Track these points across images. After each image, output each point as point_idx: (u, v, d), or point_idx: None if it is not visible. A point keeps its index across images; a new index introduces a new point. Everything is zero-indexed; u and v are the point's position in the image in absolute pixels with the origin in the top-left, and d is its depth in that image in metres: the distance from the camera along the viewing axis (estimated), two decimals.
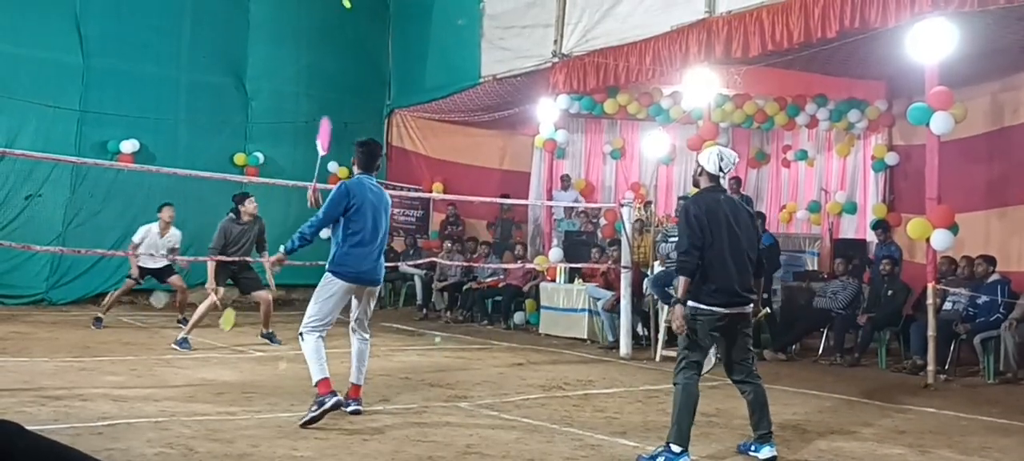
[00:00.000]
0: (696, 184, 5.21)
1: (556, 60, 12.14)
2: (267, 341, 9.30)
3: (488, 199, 13.80)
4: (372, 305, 5.82)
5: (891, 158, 13.22)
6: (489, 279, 13.12)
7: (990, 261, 9.19)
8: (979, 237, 10.74)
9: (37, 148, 11.27)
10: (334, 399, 5.26)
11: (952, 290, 9.09)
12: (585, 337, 10.82)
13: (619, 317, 9.91)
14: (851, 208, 13.70)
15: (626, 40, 11.09)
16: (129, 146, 13.07)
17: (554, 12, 12.21)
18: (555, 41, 12.16)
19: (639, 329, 10.29)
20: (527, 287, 12.44)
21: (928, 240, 8.19)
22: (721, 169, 5.02)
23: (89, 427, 4.92)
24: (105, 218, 12.87)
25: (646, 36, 10.81)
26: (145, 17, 13.43)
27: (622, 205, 10.36)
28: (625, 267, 9.81)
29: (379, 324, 12.23)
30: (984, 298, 8.80)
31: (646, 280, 10.24)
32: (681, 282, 4.81)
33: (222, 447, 4.58)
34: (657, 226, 11.14)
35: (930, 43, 8.10)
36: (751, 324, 5.10)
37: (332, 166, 15.15)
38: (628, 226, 9.90)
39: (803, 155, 14.52)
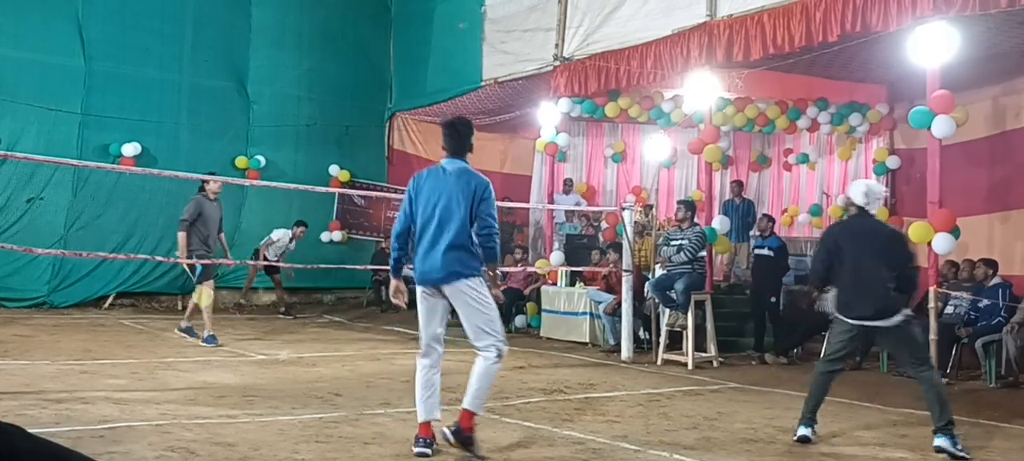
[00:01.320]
0: (846, 211, 6.00)
1: (557, 63, 12.15)
2: (185, 335, 9.56)
3: None
4: (475, 310, 4.84)
5: (892, 161, 13.22)
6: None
7: (991, 265, 9.18)
8: (981, 241, 10.74)
9: (39, 151, 11.30)
10: (422, 450, 4.62)
11: (954, 294, 9.08)
12: (586, 341, 10.81)
13: (620, 320, 9.90)
14: None
15: (627, 43, 11.09)
16: (131, 149, 13.09)
17: (555, 15, 12.22)
18: (556, 44, 12.17)
19: (640, 333, 10.29)
20: (528, 290, 12.44)
21: (930, 244, 8.19)
22: (867, 201, 5.56)
23: (90, 430, 4.91)
24: (107, 221, 12.89)
25: (647, 39, 10.81)
26: (147, 21, 13.46)
27: (623, 208, 10.35)
28: (626, 270, 9.81)
29: (380, 328, 12.26)
30: (986, 302, 8.79)
31: (647, 283, 10.24)
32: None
33: (223, 450, 4.58)
34: (658, 229, 11.14)
35: (931, 47, 8.10)
36: (901, 333, 5.44)
37: (333, 169, 15.19)
38: (629, 229, 9.89)
39: (805, 158, 14.52)
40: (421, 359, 4.92)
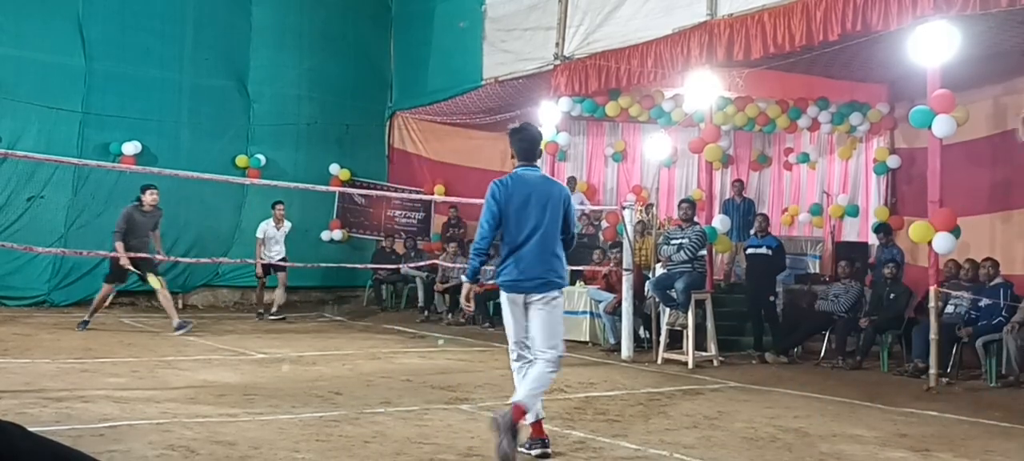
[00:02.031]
0: None
1: (558, 62, 12.14)
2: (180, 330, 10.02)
3: None
4: (542, 319, 4.81)
5: (893, 161, 13.21)
6: (491, 281, 13.11)
7: (993, 264, 9.18)
8: (983, 240, 10.73)
9: (39, 150, 11.29)
10: (541, 450, 4.72)
11: (954, 293, 9.08)
12: (586, 340, 10.82)
13: (620, 320, 9.90)
14: (853, 211, 13.69)
15: (628, 43, 11.09)
16: (131, 148, 13.09)
17: (556, 14, 12.22)
18: (557, 44, 12.16)
19: (641, 332, 10.29)
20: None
21: (930, 243, 8.18)
22: None
23: (91, 429, 4.92)
24: (107, 220, 12.81)
25: (648, 39, 10.81)
26: (148, 20, 13.46)
27: (624, 207, 10.35)
28: (627, 269, 9.81)
29: (380, 327, 12.27)
30: (986, 301, 8.79)
31: (648, 283, 10.24)
32: None
33: (224, 449, 4.58)
34: (659, 229, 11.14)
35: (932, 46, 8.09)
36: None
37: (333, 168, 15.19)
38: (630, 228, 9.90)
39: (805, 158, 14.51)
40: (514, 363, 4.94)
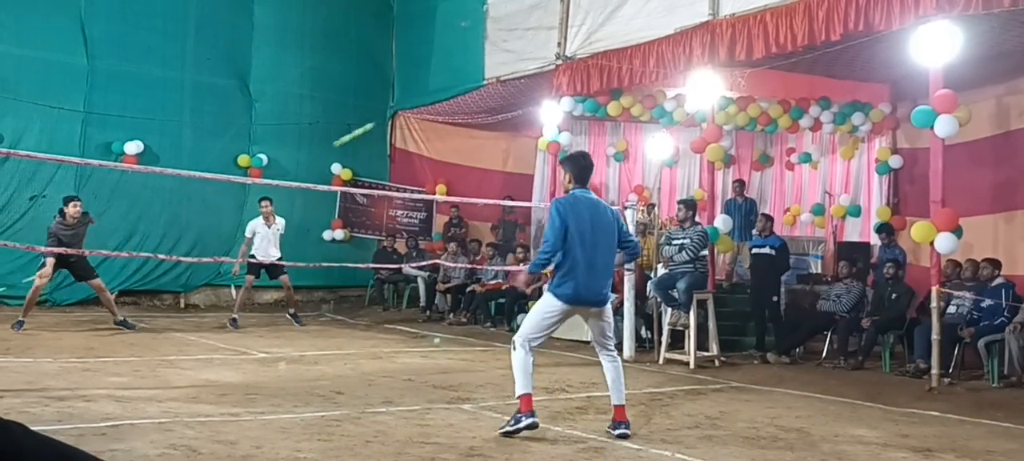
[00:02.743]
0: None
1: (560, 62, 12.14)
2: (121, 327, 10.08)
3: (491, 201, 13.79)
4: (606, 323, 5.52)
5: (895, 161, 13.19)
6: (492, 281, 13.12)
7: (995, 264, 9.17)
8: (986, 241, 10.72)
9: (41, 149, 11.30)
10: (531, 420, 5.19)
11: (956, 293, 9.07)
12: (588, 340, 10.75)
13: (622, 320, 9.90)
14: (855, 211, 13.67)
15: (630, 42, 11.08)
16: (133, 147, 13.10)
17: (558, 14, 12.21)
18: (559, 43, 12.16)
19: (642, 332, 10.29)
20: (530, 289, 12.42)
21: (932, 244, 8.17)
22: None
23: (93, 428, 4.92)
24: (109, 219, 12.87)
25: (650, 38, 10.80)
26: (150, 19, 13.47)
27: (625, 208, 10.35)
28: (628, 270, 9.80)
29: (381, 326, 12.27)
30: (988, 301, 8.78)
31: (649, 283, 10.23)
32: None
33: (225, 448, 4.59)
34: (660, 229, 11.14)
35: (934, 46, 8.08)
36: None
37: (335, 167, 15.20)
38: (631, 229, 9.89)
39: (807, 158, 14.50)
40: (525, 350, 5.38)
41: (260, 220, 11.40)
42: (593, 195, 5.63)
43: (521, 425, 5.20)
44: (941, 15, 7.97)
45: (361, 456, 4.63)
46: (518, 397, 5.33)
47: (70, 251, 9.41)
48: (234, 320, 11.14)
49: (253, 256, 11.32)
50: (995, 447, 5.64)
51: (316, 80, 15.10)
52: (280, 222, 11.54)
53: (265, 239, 11.37)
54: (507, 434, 5.20)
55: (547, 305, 5.42)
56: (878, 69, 11.88)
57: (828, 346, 10.11)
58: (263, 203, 11.44)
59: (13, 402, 5.54)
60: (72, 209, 9.89)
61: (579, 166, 5.59)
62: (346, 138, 13.47)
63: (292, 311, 11.73)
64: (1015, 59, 10.36)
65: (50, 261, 9.91)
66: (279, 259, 11.40)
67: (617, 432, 5.36)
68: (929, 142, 8.65)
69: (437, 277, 13.66)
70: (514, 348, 5.43)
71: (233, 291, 13.83)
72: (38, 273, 10.07)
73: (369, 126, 13.54)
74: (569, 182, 5.57)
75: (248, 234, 11.39)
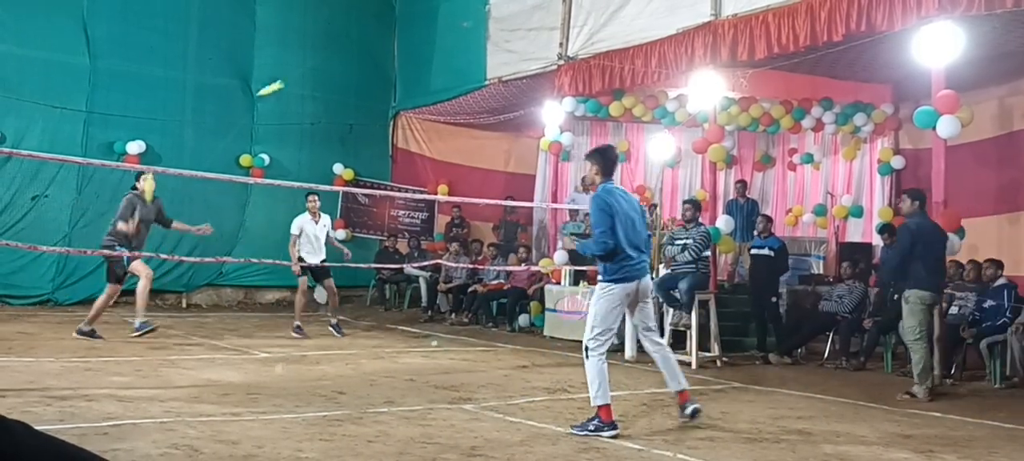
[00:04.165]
0: None
1: (562, 62, 12.14)
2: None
3: (493, 201, 13.80)
4: (651, 307, 5.93)
5: (897, 161, 13.19)
6: (494, 281, 13.13)
7: (997, 265, 9.15)
8: (989, 242, 10.71)
9: (44, 149, 11.30)
10: (614, 432, 5.28)
11: (959, 294, 9.06)
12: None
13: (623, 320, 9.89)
14: (857, 212, 13.67)
15: (632, 43, 11.08)
16: (135, 147, 13.11)
17: (560, 14, 12.21)
18: (561, 44, 12.16)
19: None
20: (532, 289, 12.44)
21: None
22: None
23: (94, 427, 4.92)
24: (111, 219, 12.85)
25: (652, 39, 10.81)
26: (152, 19, 13.49)
27: None
28: None
29: (383, 327, 12.27)
30: (991, 302, 8.77)
31: (651, 283, 10.22)
32: None
33: (227, 448, 4.59)
34: (662, 229, 11.13)
35: (937, 46, 8.08)
36: None
37: (337, 168, 15.20)
38: None
39: (809, 158, 14.49)
40: (598, 357, 5.52)
41: (307, 216, 10.57)
42: (620, 187, 5.98)
43: (605, 435, 5.26)
44: (943, 16, 7.97)
45: (363, 456, 4.63)
46: (596, 407, 5.37)
47: (77, 251, 9.37)
48: (298, 327, 10.29)
49: (302, 258, 10.42)
50: (997, 448, 5.63)
51: (318, 80, 15.11)
52: (326, 220, 10.81)
53: (312, 237, 10.56)
54: (583, 435, 5.29)
55: (609, 296, 5.61)
56: (880, 70, 11.87)
57: (830, 347, 10.10)
58: (312, 199, 10.58)
59: (15, 401, 5.54)
60: (146, 183, 9.24)
61: (607, 159, 5.84)
62: (266, 90, 12.31)
63: (334, 322, 10.66)
64: (1017, 60, 10.35)
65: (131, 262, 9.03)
66: (323, 260, 10.59)
67: (689, 410, 5.71)
68: (931, 143, 8.64)
69: (439, 277, 13.66)
70: (587, 356, 5.52)
71: (229, 291, 13.88)
72: (143, 273, 9.23)
73: (279, 84, 12.76)
74: (596, 175, 5.79)
75: (295, 231, 10.52)
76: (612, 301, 5.62)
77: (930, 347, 7.65)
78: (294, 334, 10.15)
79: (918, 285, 7.57)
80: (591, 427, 5.31)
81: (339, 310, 11.14)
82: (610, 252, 5.58)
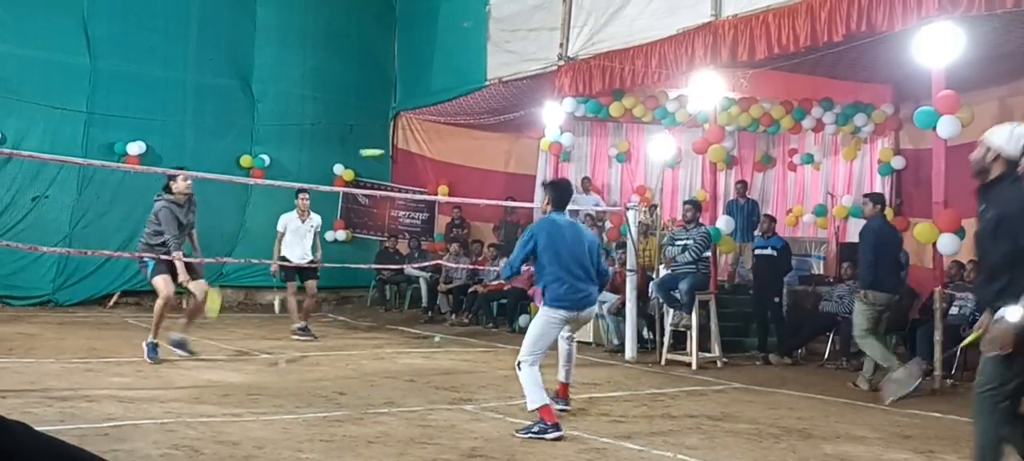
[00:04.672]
0: (984, 174, 3.95)
1: (562, 63, 12.13)
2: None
3: (493, 202, 13.79)
4: (578, 325, 6.35)
5: (897, 162, 13.18)
6: (494, 282, 13.12)
7: None
8: None
9: (44, 149, 11.32)
10: (557, 433, 5.27)
11: (959, 294, 9.06)
12: (590, 340, 10.80)
13: (624, 320, 9.89)
14: (857, 212, 13.60)
15: (632, 43, 11.07)
16: (136, 148, 13.11)
17: (560, 15, 12.20)
18: (561, 44, 12.15)
19: (644, 332, 10.28)
20: (532, 290, 12.43)
21: (935, 245, 8.17)
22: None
23: (95, 428, 4.93)
24: (111, 219, 12.91)
25: (652, 39, 10.80)
26: (152, 20, 13.49)
27: (628, 208, 10.34)
28: (630, 270, 9.80)
29: (383, 327, 12.27)
30: None
31: (651, 283, 10.23)
32: None
33: (227, 449, 4.59)
34: (662, 229, 11.13)
35: (937, 47, 8.07)
36: None
37: (337, 168, 15.21)
38: (633, 229, 9.89)
39: (809, 159, 14.49)
40: (529, 365, 5.57)
41: (293, 214, 10.22)
42: (566, 219, 6.07)
43: (549, 437, 5.23)
44: (943, 16, 7.96)
45: (363, 457, 4.63)
46: (536, 410, 5.38)
47: (77, 252, 9.28)
48: (304, 328, 9.98)
49: (285, 258, 10.07)
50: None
51: (318, 80, 15.11)
52: (316, 219, 10.41)
53: (297, 236, 10.20)
54: (527, 438, 5.26)
55: (548, 319, 5.77)
56: (881, 70, 11.87)
57: (830, 347, 10.10)
58: (302, 196, 10.25)
59: (16, 402, 5.54)
60: (182, 184, 8.14)
61: (559, 191, 6.10)
62: (367, 152, 14.21)
63: (303, 326, 10.05)
64: (1018, 60, 10.35)
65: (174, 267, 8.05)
66: (311, 262, 10.22)
67: (558, 406, 5.82)
68: (932, 143, 8.63)
69: (439, 278, 13.66)
70: (519, 368, 5.56)
71: (230, 291, 13.85)
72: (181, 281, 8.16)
73: (379, 152, 14.17)
74: (547, 204, 6.02)
75: (280, 229, 10.20)
76: (552, 325, 5.79)
77: (883, 341, 8.09)
78: (295, 338, 9.89)
79: (876, 286, 7.92)
80: (535, 429, 5.29)
81: (311, 314, 10.57)
82: (513, 277, 6.00)
